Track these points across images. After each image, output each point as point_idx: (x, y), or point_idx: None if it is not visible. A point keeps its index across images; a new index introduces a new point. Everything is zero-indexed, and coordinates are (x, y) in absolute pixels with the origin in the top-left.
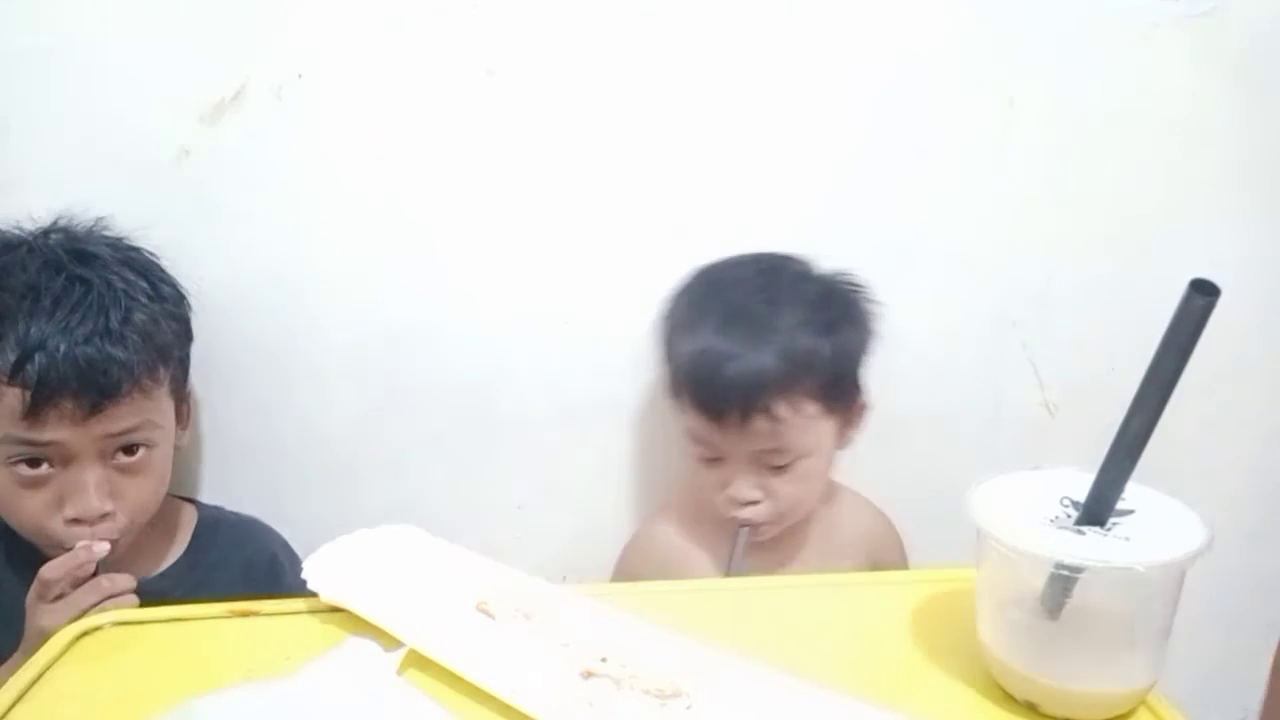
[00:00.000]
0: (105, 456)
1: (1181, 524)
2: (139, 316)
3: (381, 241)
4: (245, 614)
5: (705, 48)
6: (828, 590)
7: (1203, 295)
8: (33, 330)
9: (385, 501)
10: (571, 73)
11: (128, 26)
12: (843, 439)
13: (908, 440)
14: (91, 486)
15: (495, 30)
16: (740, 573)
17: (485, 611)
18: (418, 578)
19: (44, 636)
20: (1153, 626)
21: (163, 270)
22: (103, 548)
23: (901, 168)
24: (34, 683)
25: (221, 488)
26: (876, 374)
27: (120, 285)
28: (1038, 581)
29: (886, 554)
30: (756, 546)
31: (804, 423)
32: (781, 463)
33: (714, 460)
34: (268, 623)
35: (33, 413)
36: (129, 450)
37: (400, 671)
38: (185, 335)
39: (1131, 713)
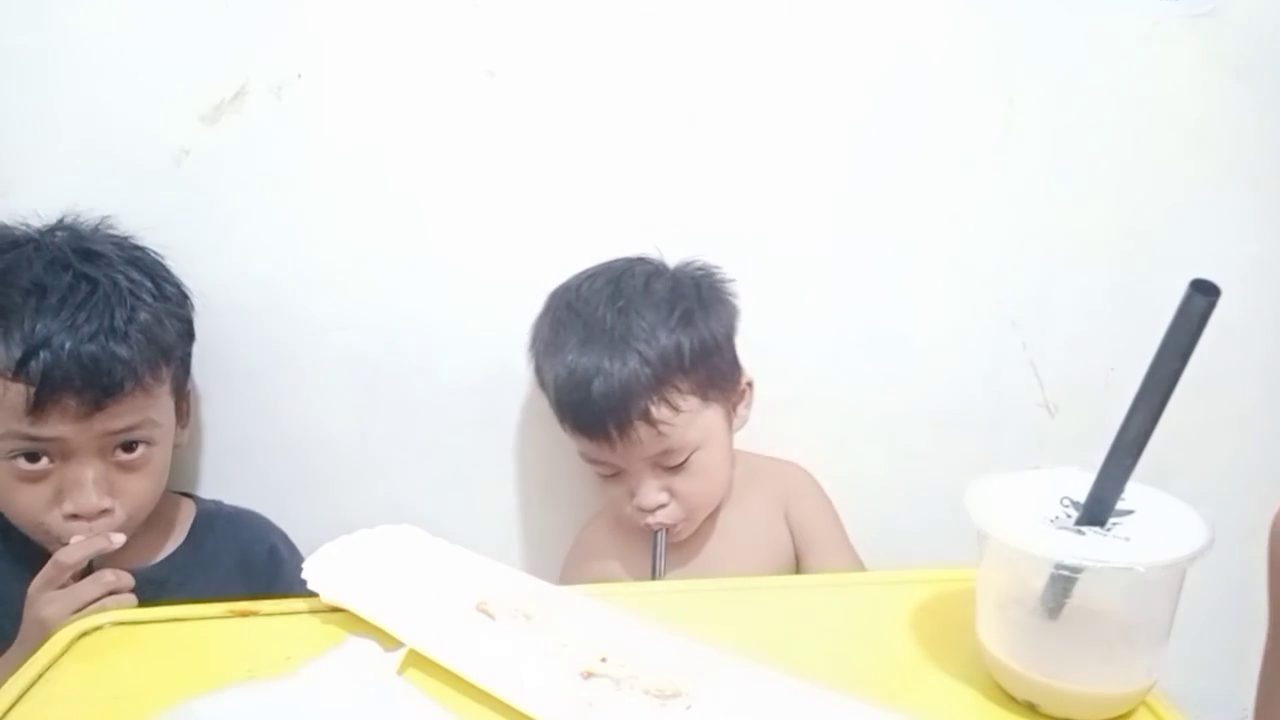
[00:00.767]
0: (105, 453)
1: (1181, 524)
2: (143, 315)
3: (381, 241)
4: (245, 614)
5: (705, 48)
6: (828, 590)
7: (1203, 295)
8: (38, 327)
9: (385, 501)
10: (571, 73)
11: (128, 26)
12: (735, 420)
13: (908, 440)
14: (90, 483)
15: (495, 30)
16: (666, 573)
17: (485, 611)
18: (418, 578)
19: (43, 628)
20: (1153, 626)
21: (167, 270)
22: (119, 538)
23: (902, 168)
24: (34, 683)
25: (221, 487)
26: (877, 374)
27: (125, 284)
28: (1038, 581)
29: (799, 501)
30: (672, 546)
31: (686, 419)
32: (676, 462)
33: (613, 475)
34: (268, 623)
35: (36, 409)
36: (129, 448)
37: (400, 671)
38: (187, 335)
39: (1131, 713)
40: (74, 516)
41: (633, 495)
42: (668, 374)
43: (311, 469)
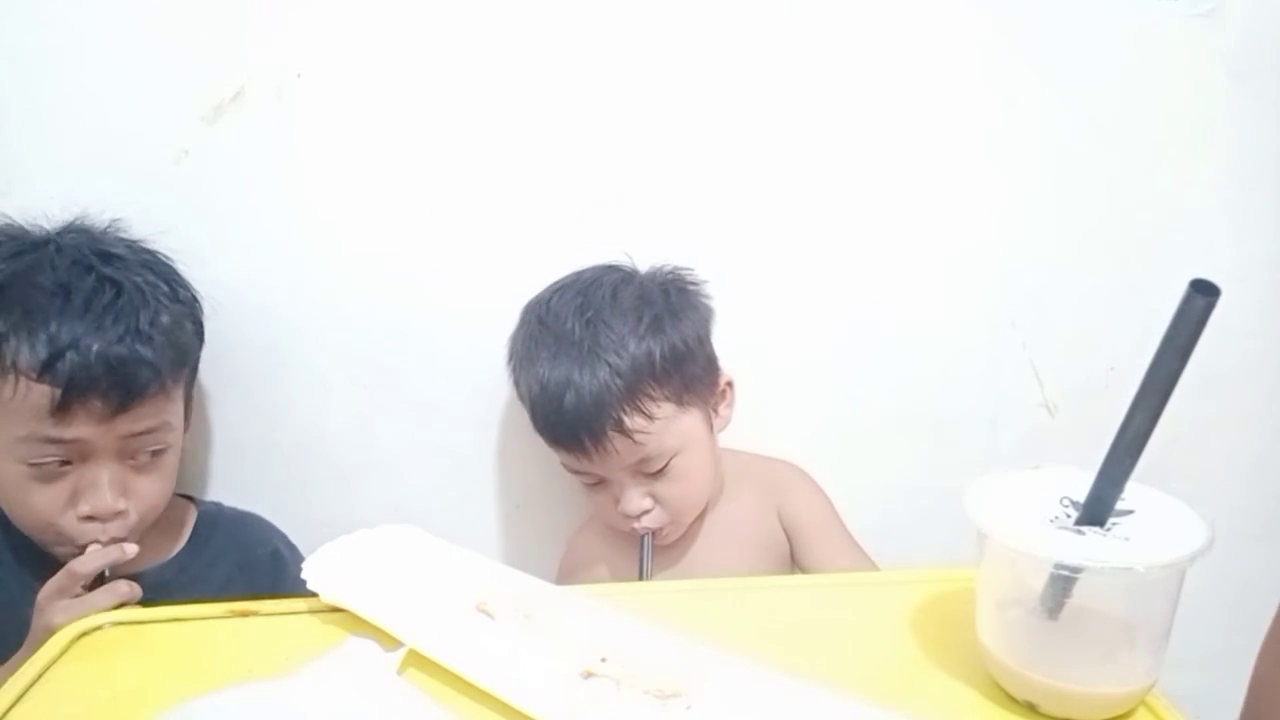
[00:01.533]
0: (123, 456)
1: (1181, 524)
2: (164, 318)
3: (381, 241)
4: (245, 614)
5: (706, 49)
6: (828, 590)
7: (1203, 295)
8: (64, 329)
9: (385, 501)
10: (572, 73)
11: (128, 26)
12: (717, 421)
13: (908, 440)
14: (106, 484)
15: (495, 30)
16: (653, 577)
17: (485, 611)
18: (418, 578)
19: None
20: (1153, 626)
21: (178, 273)
22: (133, 549)
23: (902, 167)
24: (34, 683)
25: (222, 487)
26: (878, 374)
27: (145, 286)
28: (1038, 581)
29: (790, 496)
30: (661, 547)
31: (662, 425)
32: (655, 469)
33: (596, 484)
34: (268, 623)
35: (61, 410)
36: (146, 451)
37: (400, 671)
38: (200, 337)
39: (1131, 713)
40: (89, 518)
41: (617, 502)
42: (639, 383)
43: (311, 469)
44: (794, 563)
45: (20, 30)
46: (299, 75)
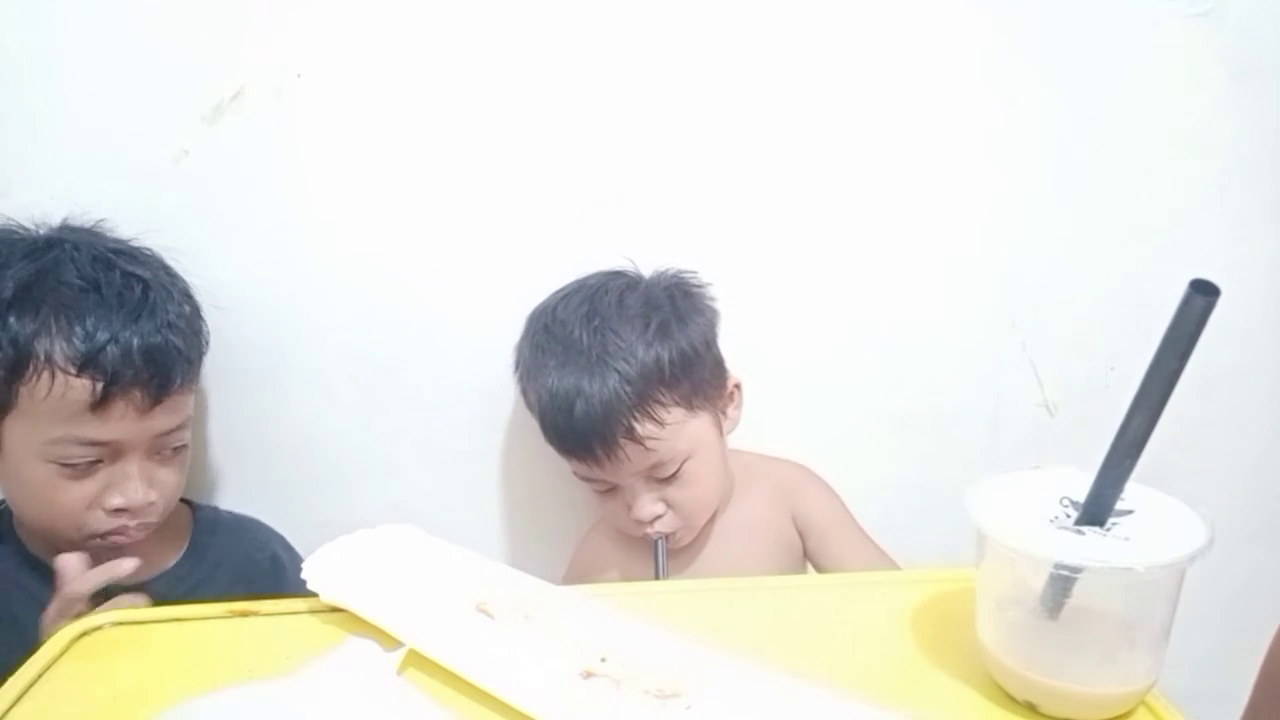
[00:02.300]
0: (151, 453)
1: (1181, 524)
2: (187, 309)
3: (381, 241)
4: (245, 614)
5: (705, 49)
6: (828, 590)
7: (1203, 295)
8: (101, 323)
9: (385, 502)
10: (572, 73)
11: (128, 27)
12: (725, 423)
13: (908, 440)
14: (137, 476)
15: (495, 30)
16: (669, 577)
17: (485, 611)
18: (418, 578)
19: None
20: (1153, 626)
21: (187, 286)
22: (130, 564)
23: (902, 167)
24: (34, 683)
25: (222, 487)
26: (878, 374)
27: (165, 281)
28: (1037, 581)
29: (803, 497)
30: (675, 550)
31: (672, 430)
32: (668, 474)
33: (608, 491)
34: (268, 623)
35: (102, 404)
36: (171, 447)
37: (400, 671)
38: (207, 336)
39: (1131, 713)
40: (119, 510)
41: (629, 508)
42: (649, 389)
43: (311, 469)
44: (809, 561)
45: (20, 30)
46: (299, 75)
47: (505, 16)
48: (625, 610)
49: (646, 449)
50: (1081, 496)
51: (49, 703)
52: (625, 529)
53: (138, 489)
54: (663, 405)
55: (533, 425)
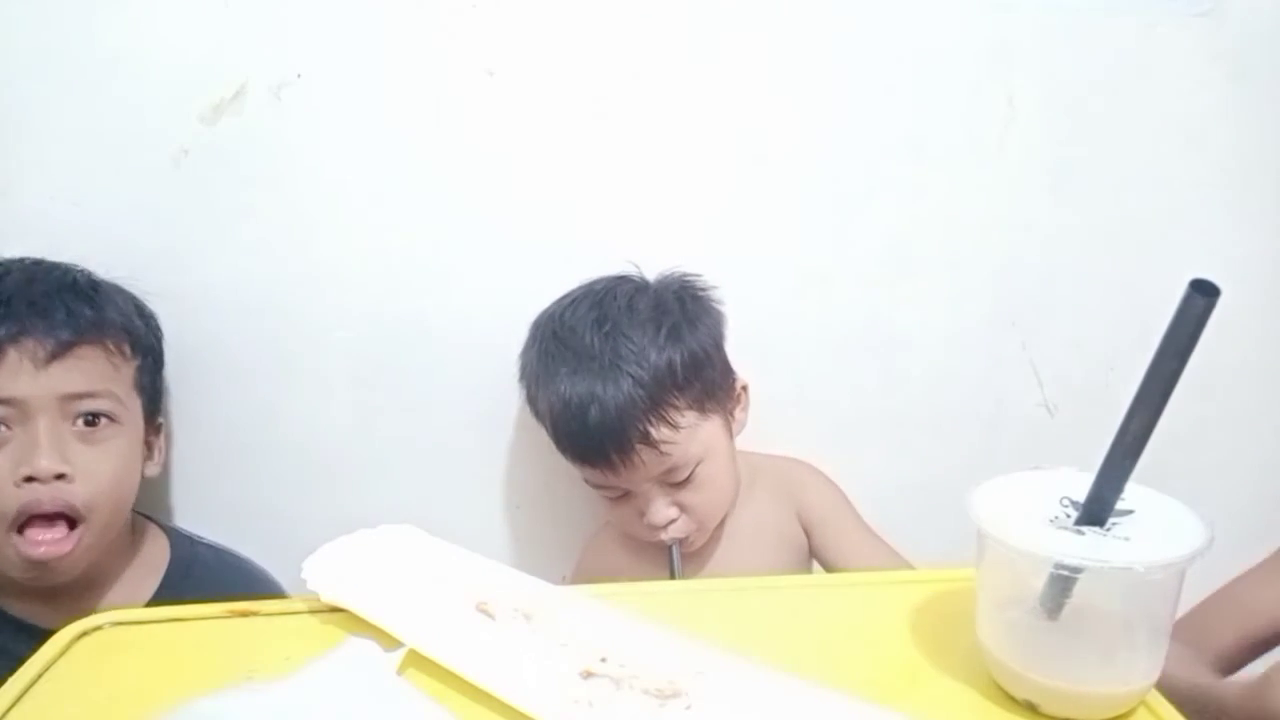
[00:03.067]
0: (65, 419)
1: (1181, 524)
2: (111, 295)
3: (381, 241)
4: (245, 614)
5: (705, 49)
6: (828, 590)
7: (1203, 295)
8: (1, 290)
9: (385, 502)
10: (572, 73)
11: (127, 27)
12: (735, 426)
13: (908, 440)
14: (44, 441)
15: (495, 30)
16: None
17: (485, 611)
18: (418, 578)
19: None
20: (1153, 626)
21: (138, 298)
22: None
23: (901, 167)
24: (34, 683)
25: (221, 487)
26: (878, 374)
27: (87, 271)
28: (1037, 581)
29: (808, 495)
30: (689, 554)
31: (686, 434)
32: (681, 478)
33: (620, 497)
34: (268, 623)
35: None
36: (91, 421)
37: (400, 671)
38: (158, 349)
39: (1131, 713)
40: (29, 480)
41: (642, 514)
42: (662, 393)
43: (311, 469)
44: (815, 557)
45: (20, 30)
46: (299, 75)
47: (504, 15)
48: (625, 610)
49: (661, 453)
50: (1081, 496)
51: (49, 703)
52: (637, 534)
53: (44, 455)
54: (676, 409)
55: (533, 425)
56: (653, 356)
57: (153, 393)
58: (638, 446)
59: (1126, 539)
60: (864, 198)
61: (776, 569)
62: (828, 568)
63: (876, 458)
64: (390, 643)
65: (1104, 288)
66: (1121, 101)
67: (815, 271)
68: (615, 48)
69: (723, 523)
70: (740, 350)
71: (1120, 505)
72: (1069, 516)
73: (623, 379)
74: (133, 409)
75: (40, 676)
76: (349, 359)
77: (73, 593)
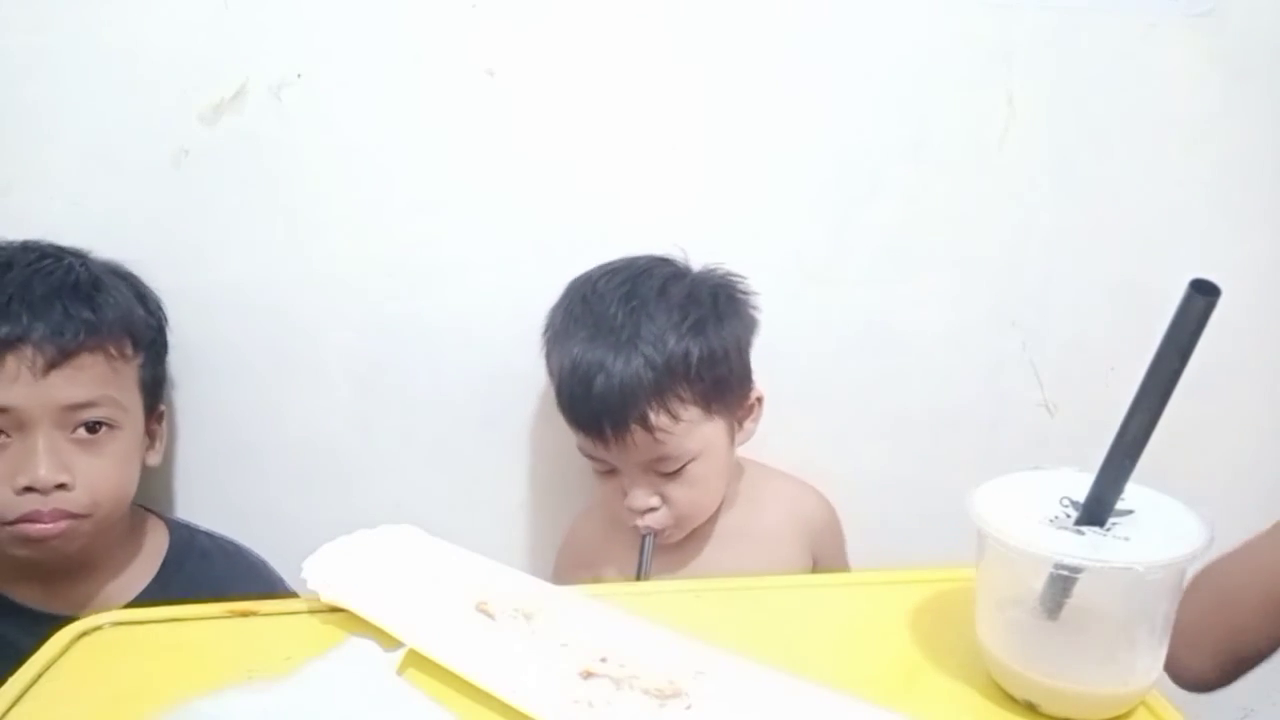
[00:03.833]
0: (64, 429)
1: (1181, 524)
2: (110, 289)
3: (381, 241)
4: (245, 614)
5: (705, 48)
6: (828, 590)
7: (1203, 295)
8: (1, 291)
9: (385, 502)
10: (571, 73)
11: (128, 26)
12: (739, 434)
13: (908, 440)
14: (42, 452)
15: (495, 30)
16: (650, 576)
17: (485, 611)
18: (418, 578)
19: None
20: (1153, 626)
21: (139, 279)
22: None
23: (901, 167)
24: (34, 683)
25: (221, 488)
26: (878, 374)
27: (90, 264)
28: (1037, 581)
29: (826, 543)
30: (665, 548)
31: (685, 427)
32: (671, 469)
33: (607, 472)
34: (268, 623)
35: None
36: (91, 428)
37: (400, 671)
38: (158, 332)
39: (1131, 713)
40: (28, 490)
41: (624, 495)
42: (671, 381)
43: (311, 469)
44: None
45: (20, 30)
46: (299, 75)
47: (505, 16)
48: (625, 610)
49: (656, 440)
50: (1081, 496)
51: (49, 703)
52: (616, 514)
53: (43, 464)
54: (681, 400)
55: (532, 425)
56: (671, 343)
57: (154, 385)
58: (633, 426)
59: (1126, 539)
60: (864, 198)
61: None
62: None
63: (877, 458)
64: (390, 643)
65: (1104, 288)
66: (1121, 101)
67: (815, 271)
68: (615, 48)
69: (713, 524)
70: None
71: (1120, 505)
72: (1069, 516)
73: (635, 356)
74: (133, 408)
75: (40, 676)
76: (349, 359)
77: (71, 577)
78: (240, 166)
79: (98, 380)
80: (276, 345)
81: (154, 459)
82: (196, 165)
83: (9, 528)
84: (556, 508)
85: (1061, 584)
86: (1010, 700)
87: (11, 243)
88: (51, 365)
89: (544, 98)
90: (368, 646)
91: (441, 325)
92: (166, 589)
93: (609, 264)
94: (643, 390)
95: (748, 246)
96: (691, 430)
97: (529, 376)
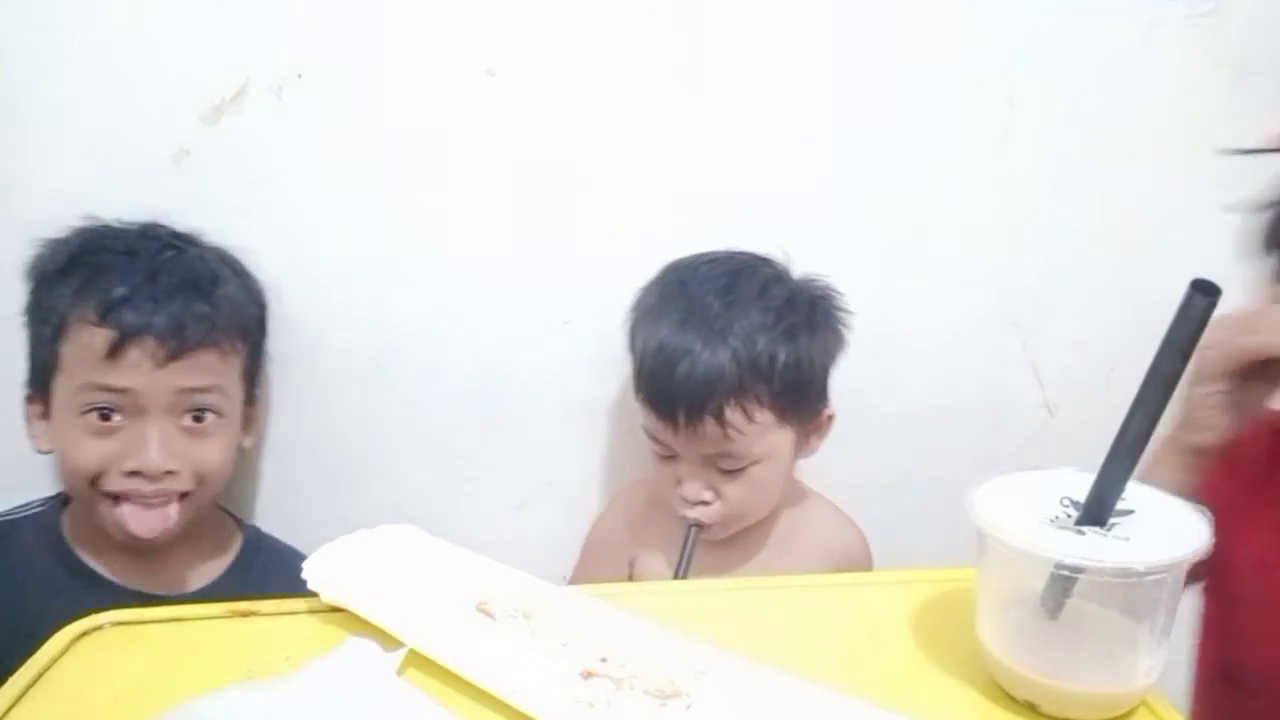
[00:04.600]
0: (175, 414)
1: (1181, 524)
2: (225, 283)
3: (381, 242)
4: (245, 614)
5: (705, 48)
6: (828, 590)
7: (1203, 295)
8: (125, 278)
9: (385, 502)
10: (571, 73)
11: (128, 26)
12: (805, 448)
13: (908, 440)
14: (155, 439)
15: (495, 30)
16: (690, 571)
17: (485, 611)
18: (418, 578)
19: None
20: (1153, 626)
21: (245, 265)
22: None
23: (902, 167)
24: (34, 683)
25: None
26: (878, 374)
27: (207, 256)
28: (1038, 581)
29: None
30: (709, 545)
31: (757, 430)
32: (732, 467)
33: (668, 457)
34: (268, 623)
35: (115, 352)
36: (198, 416)
37: (400, 671)
38: (262, 323)
39: (1131, 713)
40: (135, 474)
41: (679, 482)
42: (753, 381)
43: (312, 469)
44: None
45: (20, 30)
46: (299, 75)
47: (505, 16)
48: (626, 610)
49: (726, 436)
50: (1081, 496)
51: (49, 703)
52: (667, 499)
53: (153, 451)
54: (759, 402)
55: (532, 425)
56: (760, 343)
57: (254, 372)
58: (707, 418)
59: (1126, 539)
60: (863, 197)
61: None
62: None
63: (877, 458)
64: (390, 643)
65: (1104, 288)
66: (1122, 101)
67: (814, 270)
68: (615, 48)
69: (756, 535)
70: None
71: (1120, 505)
72: (1069, 516)
73: (723, 349)
74: (235, 397)
75: (40, 676)
76: (349, 359)
77: (160, 557)
78: (240, 166)
79: (210, 371)
80: (276, 345)
81: (248, 441)
82: (196, 165)
83: (114, 510)
84: (558, 508)
85: (1062, 584)
86: (1010, 700)
87: (130, 226)
88: (172, 357)
89: (544, 98)
90: (368, 646)
91: (441, 325)
92: (237, 583)
93: (710, 253)
94: (723, 384)
95: (747, 246)
96: (762, 434)
97: (530, 376)
